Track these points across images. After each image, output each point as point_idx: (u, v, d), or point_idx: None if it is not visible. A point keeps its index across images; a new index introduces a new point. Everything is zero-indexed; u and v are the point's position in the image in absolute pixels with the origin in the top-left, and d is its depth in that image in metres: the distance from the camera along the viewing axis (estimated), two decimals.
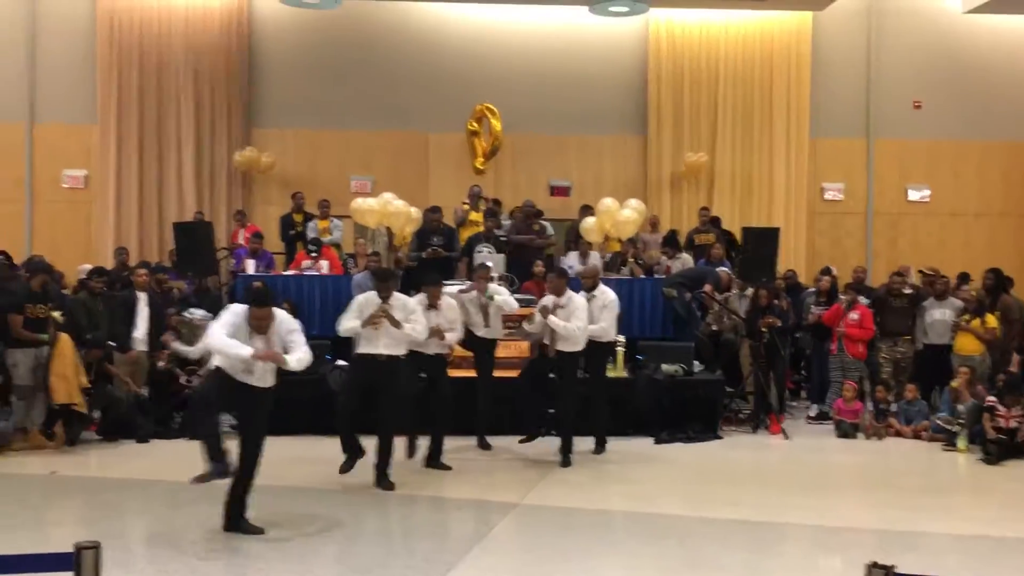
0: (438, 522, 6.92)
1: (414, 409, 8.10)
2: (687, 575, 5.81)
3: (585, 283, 9.13)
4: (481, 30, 15.79)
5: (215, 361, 6.21)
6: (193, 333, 9.88)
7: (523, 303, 9.51)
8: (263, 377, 6.13)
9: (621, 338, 10.10)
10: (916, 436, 10.15)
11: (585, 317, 8.56)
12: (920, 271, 12.55)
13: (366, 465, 7.58)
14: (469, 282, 9.32)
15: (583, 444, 8.91)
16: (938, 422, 9.99)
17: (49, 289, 9.67)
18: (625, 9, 13.81)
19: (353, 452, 7.60)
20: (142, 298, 10.07)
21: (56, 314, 9.49)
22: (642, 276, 12.13)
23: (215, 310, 9.51)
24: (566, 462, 8.56)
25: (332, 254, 12.52)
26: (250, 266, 12.09)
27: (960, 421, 9.68)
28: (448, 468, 8.33)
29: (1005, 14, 15.76)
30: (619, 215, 12.31)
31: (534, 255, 11.80)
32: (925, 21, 16.09)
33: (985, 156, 16.23)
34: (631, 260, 12.27)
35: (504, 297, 9.10)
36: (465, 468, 8.38)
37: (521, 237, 12.35)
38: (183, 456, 8.91)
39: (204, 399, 6.32)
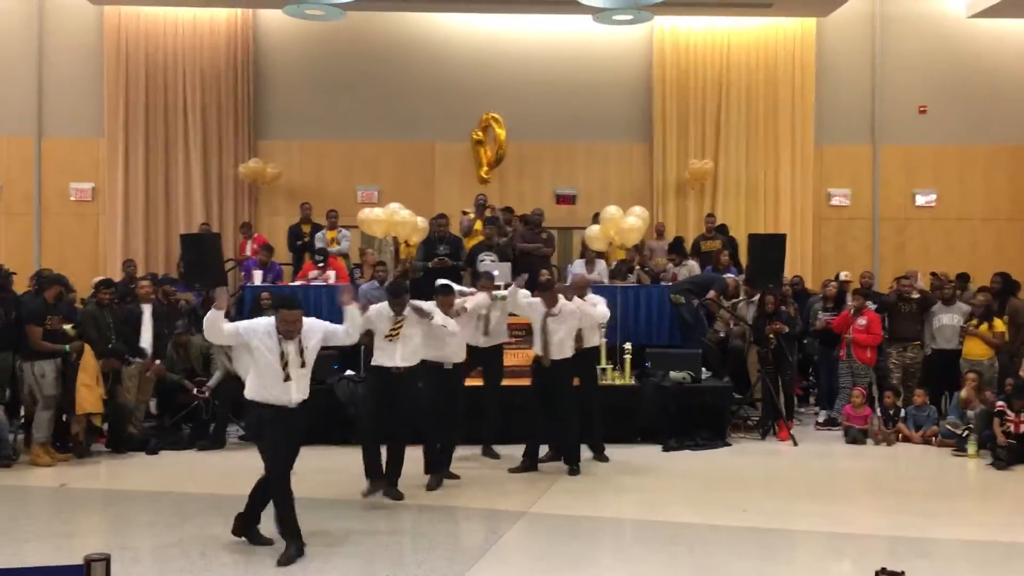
0: (447, 531, 6.92)
1: (433, 421, 8.08)
2: None
3: (575, 293, 9.07)
4: (486, 40, 15.84)
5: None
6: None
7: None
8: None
9: (627, 345, 10.11)
10: (925, 441, 10.13)
11: (575, 323, 8.63)
12: (932, 273, 12.55)
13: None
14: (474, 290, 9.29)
15: (583, 452, 8.91)
16: (947, 427, 9.97)
17: (63, 301, 9.73)
18: (629, 17, 13.80)
19: (377, 478, 7.56)
20: (146, 310, 10.08)
21: (68, 326, 9.55)
22: (649, 283, 12.12)
23: None
24: (574, 470, 8.56)
25: (339, 264, 12.54)
26: (257, 277, 12.11)
27: (969, 426, 9.67)
28: (457, 477, 8.33)
29: (1009, 18, 15.75)
30: (623, 223, 12.31)
31: (540, 263, 11.81)
32: (929, 26, 16.09)
33: (991, 160, 16.21)
34: (638, 267, 12.27)
35: (505, 292, 9.08)
36: (473, 477, 8.37)
37: (527, 245, 12.37)
38: (192, 468, 8.97)
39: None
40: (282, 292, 6.45)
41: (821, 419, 11.26)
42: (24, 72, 15.41)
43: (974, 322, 10.58)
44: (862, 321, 10.82)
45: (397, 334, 7.58)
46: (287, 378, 6.00)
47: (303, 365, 6.10)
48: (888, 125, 16.12)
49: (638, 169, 16.04)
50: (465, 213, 13.35)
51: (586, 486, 8.23)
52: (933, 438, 10.08)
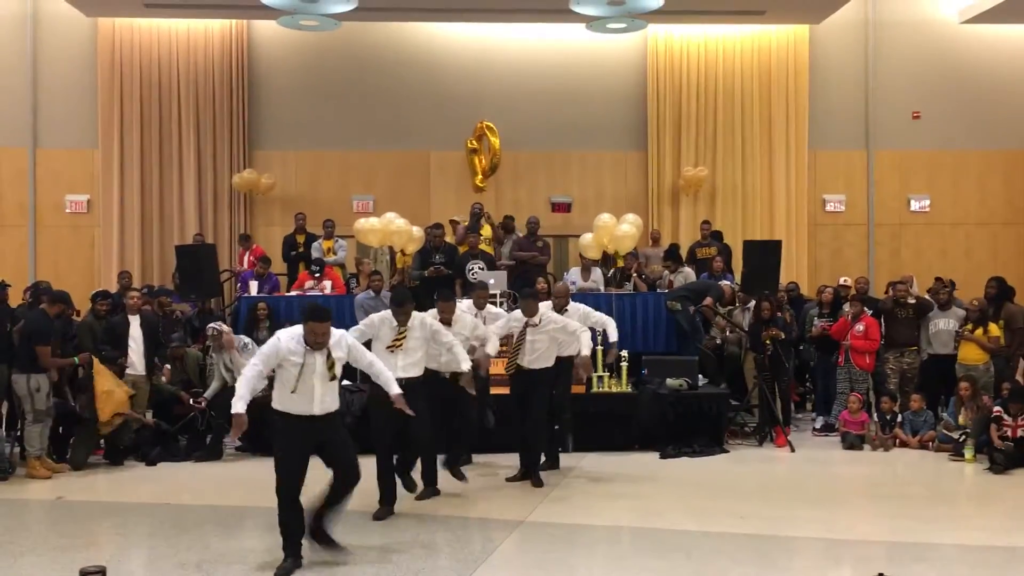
0: (444, 540, 6.89)
1: (437, 431, 7.94)
2: None
3: (556, 303, 8.98)
4: (480, 49, 15.87)
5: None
6: (220, 345, 9.82)
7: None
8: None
9: (624, 352, 10.10)
10: (922, 446, 10.13)
11: (557, 333, 8.47)
12: (937, 279, 12.62)
13: (371, 491, 7.48)
14: (467, 300, 9.16)
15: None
16: (944, 431, 9.97)
17: (64, 315, 9.70)
18: (623, 25, 13.85)
19: (390, 501, 7.45)
20: (134, 321, 9.98)
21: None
22: (645, 291, 12.13)
23: None
24: (537, 483, 8.36)
25: (335, 274, 12.54)
26: (253, 287, 12.09)
27: (966, 431, 9.67)
28: (464, 478, 8.25)
29: (1001, 24, 15.82)
30: (617, 230, 12.33)
31: (537, 272, 11.81)
32: (922, 32, 16.16)
33: (985, 165, 16.26)
34: (634, 275, 12.28)
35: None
36: (470, 486, 8.35)
37: (523, 254, 12.38)
38: (189, 479, 8.95)
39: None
40: (314, 303, 6.42)
41: (818, 425, 11.25)
42: (18, 83, 15.42)
43: (969, 327, 10.59)
44: (860, 327, 10.82)
45: (400, 345, 7.36)
46: (311, 388, 5.95)
47: (332, 379, 6.04)
48: (882, 131, 16.17)
49: (633, 177, 16.07)
50: (454, 221, 13.32)
51: (583, 494, 8.21)
52: (930, 443, 10.08)
